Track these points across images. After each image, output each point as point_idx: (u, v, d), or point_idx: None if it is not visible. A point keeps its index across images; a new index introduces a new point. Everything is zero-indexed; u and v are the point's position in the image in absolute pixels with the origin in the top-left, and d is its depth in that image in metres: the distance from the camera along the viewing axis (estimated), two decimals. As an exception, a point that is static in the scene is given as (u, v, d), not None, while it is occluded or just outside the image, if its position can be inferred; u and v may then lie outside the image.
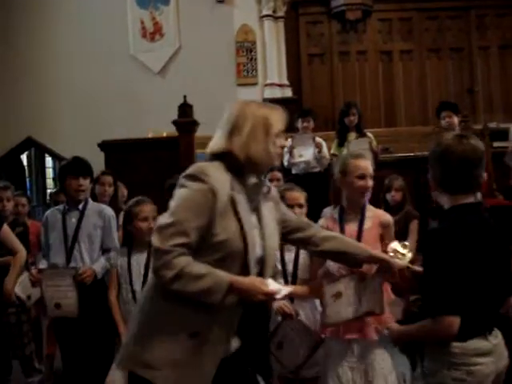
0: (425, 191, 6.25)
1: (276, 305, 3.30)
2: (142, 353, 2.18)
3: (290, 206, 3.47)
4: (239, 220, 2.16)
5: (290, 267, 3.47)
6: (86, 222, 4.06)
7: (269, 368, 3.34)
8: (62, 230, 4.05)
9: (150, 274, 3.06)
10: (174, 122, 7.23)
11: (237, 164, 2.24)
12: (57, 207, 4.29)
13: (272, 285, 2.20)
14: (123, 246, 3.85)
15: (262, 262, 2.30)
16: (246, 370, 2.36)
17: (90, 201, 4.21)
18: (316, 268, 3.33)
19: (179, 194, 2.19)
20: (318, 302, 3.42)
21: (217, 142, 2.31)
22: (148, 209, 3.74)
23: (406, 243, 2.82)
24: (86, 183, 4.06)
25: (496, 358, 2.30)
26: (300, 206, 3.56)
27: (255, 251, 2.23)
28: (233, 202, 2.17)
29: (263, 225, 2.32)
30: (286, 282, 3.43)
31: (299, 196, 3.59)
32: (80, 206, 4.09)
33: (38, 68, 10.18)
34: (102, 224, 4.07)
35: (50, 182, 12.19)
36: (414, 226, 4.99)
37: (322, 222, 3.42)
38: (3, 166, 9.56)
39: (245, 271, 2.18)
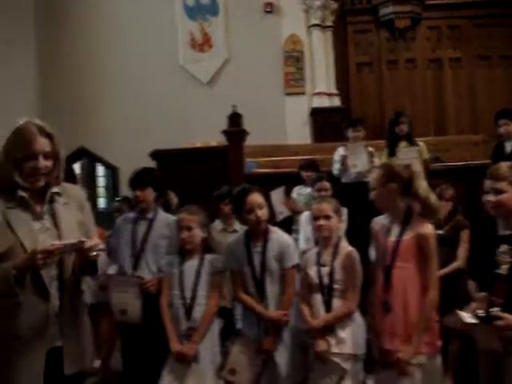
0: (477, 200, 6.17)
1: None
2: None
3: (316, 218, 3.54)
4: (14, 231, 2.39)
5: (325, 281, 3.49)
6: (153, 231, 4.15)
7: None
8: (130, 238, 4.16)
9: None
10: (224, 132, 7.31)
11: None
12: (128, 215, 4.42)
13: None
14: (177, 254, 3.91)
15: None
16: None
17: (160, 211, 4.29)
18: None
19: None
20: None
21: None
22: (187, 218, 3.79)
23: None
24: (141, 195, 4.15)
25: None
26: (326, 217, 3.55)
27: None
28: (6, 218, 2.40)
29: (59, 226, 2.51)
30: (324, 296, 3.48)
31: (325, 207, 3.58)
32: (150, 216, 4.19)
33: (90, 80, 10.42)
34: (169, 234, 4.12)
35: (101, 191, 12.41)
36: (464, 235, 4.93)
37: (374, 227, 3.44)
38: (58, 174, 9.75)
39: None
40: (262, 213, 3.59)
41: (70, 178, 10.97)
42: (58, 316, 2.47)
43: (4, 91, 9.46)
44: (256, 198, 3.60)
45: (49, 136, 2.48)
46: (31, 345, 2.40)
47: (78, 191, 2.73)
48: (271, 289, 3.60)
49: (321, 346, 3.38)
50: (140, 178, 4.22)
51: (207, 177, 6.72)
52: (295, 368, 3.55)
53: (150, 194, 4.19)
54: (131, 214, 4.36)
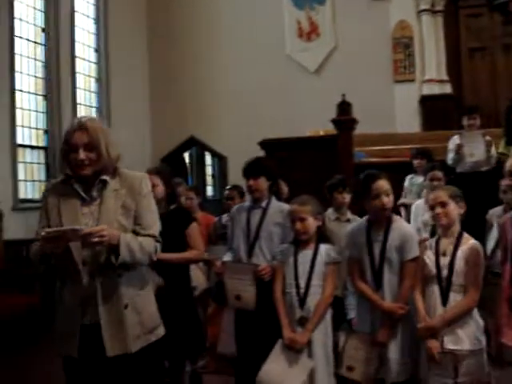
0: None
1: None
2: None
3: (432, 207, 3.47)
4: (60, 215, 2.72)
5: (444, 272, 3.36)
6: (267, 219, 4.18)
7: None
8: (245, 226, 4.24)
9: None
10: (334, 120, 7.26)
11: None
12: (243, 204, 4.50)
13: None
14: (292, 243, 3.93)
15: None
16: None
17: (274, 199, 4.34)
18: None
19: None
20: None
21: None
22: (299, 209, 3.79)
23: None
24: (255, 184, 4.19)
25: None
26: (442, 204, 3.43)
27: None
28: (59, 203, 2.74)
29: (101, 212, 2.72)
30: (441, 288, 3.35)
31: (440, 195, 3.48)
32: (263, 204, 4.25)
33: (199, 71, 10.69)
34: (283, 222, 4.13)
35: (209, 179, 12.70)
36: None
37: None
38: (168, 163, 10.11)
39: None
40: (388, 200, 3.54)
41: (180, 166, 11.38)
42: (94, 296, 2.66)
43: (118, 82, 9.87)
44: (383, 184, 3.55)
45: (86, 129, 2.67)
46: (69, 317, 2.68)
47: (134, 178, 2.83)
48: (389, 280, 3.53)
49: (433, 343, 3.30)
50: (253, 168, 4.26)
51: (316, 166, 6.70)
52: (407, 364, 3.50)
53: (263, 183, 4.22)
54: (246, 203, 4.43)
